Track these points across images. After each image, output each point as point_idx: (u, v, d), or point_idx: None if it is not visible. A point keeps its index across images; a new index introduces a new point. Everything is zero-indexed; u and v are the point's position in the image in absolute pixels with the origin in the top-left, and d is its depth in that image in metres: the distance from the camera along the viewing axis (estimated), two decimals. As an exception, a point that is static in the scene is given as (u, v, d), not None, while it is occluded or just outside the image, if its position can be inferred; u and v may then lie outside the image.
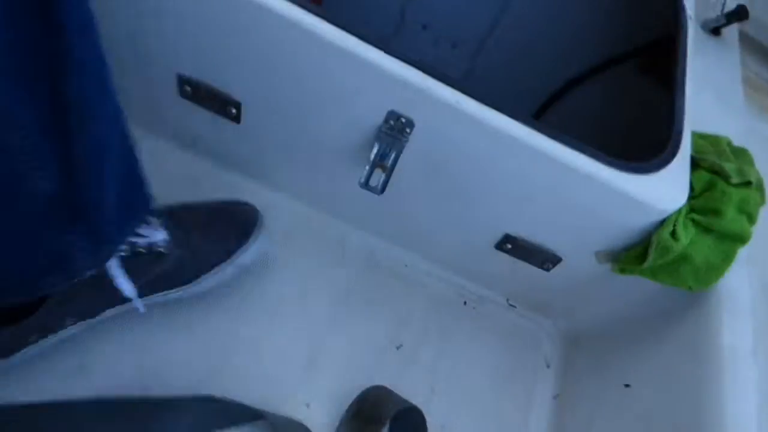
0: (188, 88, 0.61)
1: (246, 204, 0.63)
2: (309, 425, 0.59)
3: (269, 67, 0.54)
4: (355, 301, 0.71)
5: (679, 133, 0.57)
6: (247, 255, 0.60)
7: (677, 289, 0.58)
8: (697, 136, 0.61)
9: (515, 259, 0.68)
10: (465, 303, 0.77)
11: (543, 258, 0.67)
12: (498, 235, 0.66)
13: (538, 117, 0.95)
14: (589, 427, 0.67)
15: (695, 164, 0.57)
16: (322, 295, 0.70)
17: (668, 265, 0.56)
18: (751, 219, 0.55)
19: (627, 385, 0.64)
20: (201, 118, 0.64)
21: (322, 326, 0.68)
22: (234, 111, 0.62)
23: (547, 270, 0.68)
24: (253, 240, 0.61)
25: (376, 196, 0.55)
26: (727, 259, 0.55)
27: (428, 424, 0.65)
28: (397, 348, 0.70)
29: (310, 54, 0.51)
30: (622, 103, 0.83)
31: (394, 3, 0.93)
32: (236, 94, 0.60)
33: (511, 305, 0.79)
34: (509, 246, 0.66)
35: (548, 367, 0.77)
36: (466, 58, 0.97)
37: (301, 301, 0.68)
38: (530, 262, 0.68)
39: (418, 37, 0.95)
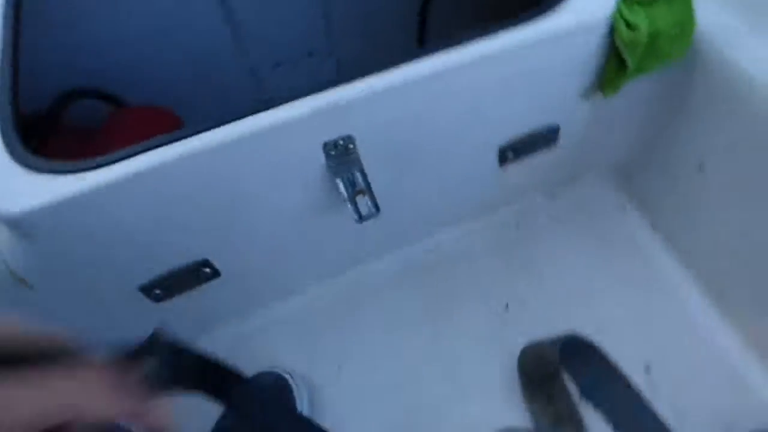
0: (157, 291, 0.57)
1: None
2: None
3: (207, 208, 0.51)
4: (435, 309, 0.69)
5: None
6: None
7: (666, 70, 0.56)
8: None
9: (524, 160, 0.66)
10: (517, 226, 0.75)
11: (543, 138, 0.64)
12: (494, 156, 0.63)
13: (423, 29, 0.91)
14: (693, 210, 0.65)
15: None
16: (410, 327, 0.68)
17: (647, 52, 0.53)
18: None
19: (700, 167, 0.62)
20: (187, 302, 0.60)
21: (437, 345, 0.66)
22: (208, 270, 0.58)
23: (555, 143, 0.65)
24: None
25: (377, 217, 0.53)
26: (686, 4, 0.52)
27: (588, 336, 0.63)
28: (506, 308, 0.68)
29: (224, 166, 0.47)
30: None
31: (242, 67, 0.90)
32: (199, 255, 0.56)
33: (552, 196, 0.77)
34: (511, 154, 0.64)
35: (625, 209, 0.75)
36: (326, 53, 0.93)
37: (401, 341, 0.66)
38: (537, 150, 0.65)
39: (277, 73, 0.92)
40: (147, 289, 0.56)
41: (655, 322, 0.68)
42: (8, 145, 0.44)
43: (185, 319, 0.64)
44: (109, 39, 0.78)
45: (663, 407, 0.61)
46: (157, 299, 0.57)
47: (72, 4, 0.71)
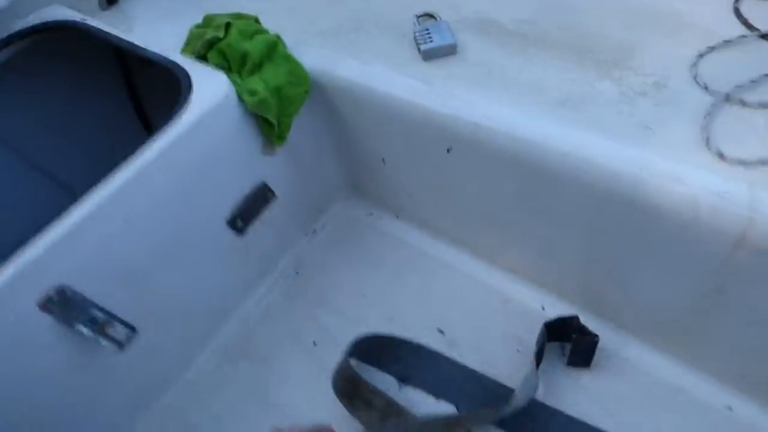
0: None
1: None
2: None
3: None
4: (261, 383, 0.73)
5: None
6: None
7: (309, 104, 0.70)
8: (193, 32, 0.70)
9: (257, 219, 0.75)
10: (296, 271, 0.84)
11: (260, 196, 0.74)
12: (226, 229, 0.72)
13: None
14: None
15: (204, 57, 0.67)
16: (245, 410, 0.71)
17: (282, 102, 0.66)
18: (258, 31, 0.67)
19: (383, 161, 0.76)
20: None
21: (275, 413, 0.69)
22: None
23: (273, 195, 0.76)
24: None
25: (138, 335, 0.57)
26: (285, 57, 0.67)
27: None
28: (314, 344, 0.75)
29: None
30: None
31: None
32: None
33: (313, 232, 0.87)
34: (240, 222, 0.72)
35: (372, 214, 0.88)
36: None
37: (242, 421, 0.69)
38: (263, 207, 0.75)
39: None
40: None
41: (432, 290, 0.79)
42: None
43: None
44: None
45: (466, 354, 0.71)
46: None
47: None
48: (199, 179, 0.64)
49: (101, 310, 0.56)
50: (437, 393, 0.69)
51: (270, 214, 0.76)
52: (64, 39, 0.77)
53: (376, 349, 0.72)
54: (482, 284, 0.79)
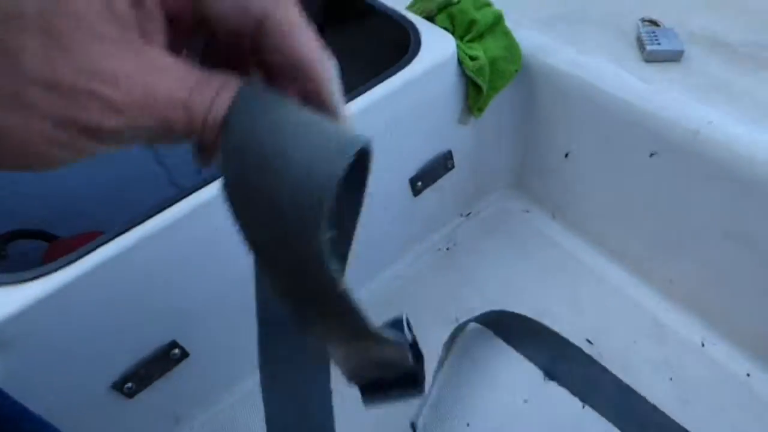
0: (130, 385, 0.59)
1: None
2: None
3: (162, 291, 0.56)
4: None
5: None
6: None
7: (513, 84, 0.71)
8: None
9: (432, 187, 0.77)
10: (447, 248, 0.84)
11: (442, 164, 0.76)
12: (407, 188, 0.74)
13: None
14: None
15: (431, 18, 0.70)
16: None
17: (492, 74, 0.68)
18: (486, 3, 0.69)
19: (567, 155, 0.76)
20: (160, 393, 0.62)
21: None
22: (177, 351, 0.62)
23: (453, 166, 0.77)
24: None
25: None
26: (506, 33, 0.68)
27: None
28: (456, 320, 0.75)
29: (172, 246, 0.53)
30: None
31: (164, 181, 0.97)
32: (165, 338, 0.60)
33: (468, 215, 0.88)
34: (420, 183, 0.74)
35: (529, 210, 0.87)
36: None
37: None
38: (440, 175, 0.77)
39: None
40: (119, 385, 0.57)
41: (582, 297, 0.77)
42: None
43: (161, 411, 0.65)
44: (41, 186, 0.84)
45: (614, 371, 0.69)
46: (131, 393, 0.59)
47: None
48: (405, 130, 0.67)
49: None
50: (584, 398, 0.67)
51: (443, 183, 0.77)
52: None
53: (519, 329, 0.71)
54: (637, 303, 0.76)
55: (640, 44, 0.68)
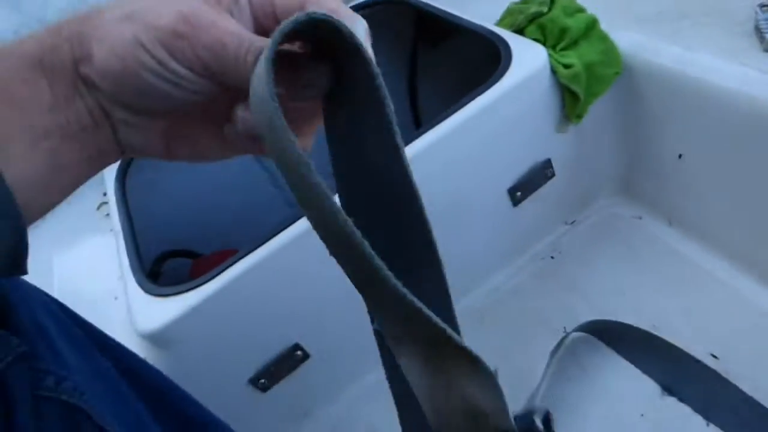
0: (263, 380, 0.67)
1: None
2: None
3: (290, 298, 0.63)
4: (506, 346, 0.75)
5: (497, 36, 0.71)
6: None
7: (614, 87, 0.69)
8: (511, 8, 0.75)
9: (532, 196, 0.77)
10: (552, 256, 0.83)
11: (541, 172, 0.76)
12: (506, 198, 0.75)
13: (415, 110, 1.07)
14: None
15: (521, 31, 0.71)
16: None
17: (590, 80, 0.67)
18: (579, 9, 0.69)
19: (680, 156, 0.72)
20: (288, 388, 0.70)
21: (517, 378, 0.71)
22: (299, 353, 0.69)
23: (553, 174, 0.77)
24: None
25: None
26: (601, 37, 0.67)
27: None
28: (564, 330, 0.74)
29: (298, 258, 0.61)
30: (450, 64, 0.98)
31: (282, 202, 1.08)
32: (290, 341, 0.67)
33: (573, 223, 0.86)
34: (519, 193, 0.75)
35: (641, 217, 0.83)
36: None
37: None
38: (541, 184, 0.77)
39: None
40: (254, 380, 0.66)
41: (705, 308, 0.71)
42: (141, 285, 0.59)
43: (289, 405, 0.73)
44: (186, 212, 0.99)
45: (743, 387, 0.63)
46: (264, 388, 0.67)
47: (159, 200, 0.94)
48: (500, 142, 0.68)
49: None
50: (707, 414, 0.62)
51: (543, 192, 0.77)
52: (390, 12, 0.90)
53: (631, 342, 0.68)
54: (767, 314, 0.69)
55: (759, 34, 0.62)
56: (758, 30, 0.63)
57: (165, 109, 0.25)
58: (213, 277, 0.57)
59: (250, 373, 0.66)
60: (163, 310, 0.55)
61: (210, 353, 0.61)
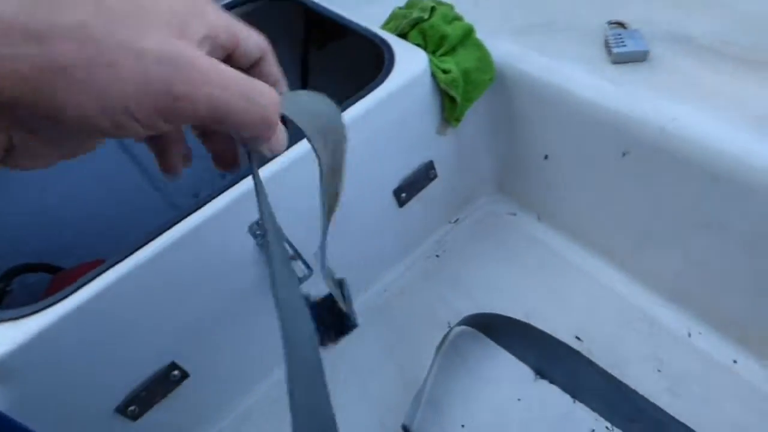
0: (133, 408, 0.61)
1: None
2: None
3: (161, 312, 0.59)
4: (394, 346, 0.77)
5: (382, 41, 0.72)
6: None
7: (488, 93, 0.73)
8: (396, 12, 0.76)
9: (417, 197, 0.79)
10: (437, 254, 0.86)
11: (425, 174, 0.78)
12: (391, 199, 0.76)
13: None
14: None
15: (404, 35, 0.72)
16: (377, 366, 0.74)
17: (466, 85, 0.70)
18: (456, 18, 0.72)
19: (546, 157, 0.78)
20: (165, 413, 0.64)
21: (404, 375, 0.72)
22: (177, 372, 0.64)
23: (436, 175, 0.79)
24: None
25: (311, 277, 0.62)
26: (477, 45, 0.71)
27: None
28: (449, 325, 0.77)
29: (171, 267, 0.56)
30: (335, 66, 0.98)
31: (163, 204, 1.00)
32: (165, 360, 0.62)
33: (456, 221, 0.90)
34: (404, 194, 0.77)
35: (516, 213, 0.89)
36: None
37: (372, 382, 0.72)
38: (424, 186, 0.79)
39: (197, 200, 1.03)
40: (123, 408, 0.60)
41: (570, 295, 0.79)
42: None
43: (166, 431, 0.67)
44: (37, 219, 0.87)
45: (603, 365, 0.70)
46: (135, 416, 0.62)
47: (10, 206, 0.82)
48: (383, 145, 0.69)
49: (292, 245, 0.62)
50: (574, 392, 0.68)
51: (427, 193, 0.80)
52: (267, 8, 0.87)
53: (508, 332, 0.73)
54: (623, 299, 0.77)
55: (607, 47, 0.70)
56: (607, 44, 0.70)
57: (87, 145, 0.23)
58: (69, 294, 0.50)
59: (118, 400, 0.59)
60: (0, 338, 0.48)
61: (65, 384, 0.54)
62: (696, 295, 0.72)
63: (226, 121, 0.21)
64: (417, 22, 0.71)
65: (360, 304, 0.81)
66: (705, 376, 0.69)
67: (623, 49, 0.68)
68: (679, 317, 0.74)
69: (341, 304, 0.56)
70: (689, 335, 0.73)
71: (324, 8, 0.79)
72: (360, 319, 0.80)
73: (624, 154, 0.67)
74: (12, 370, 0.48)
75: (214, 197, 0.56)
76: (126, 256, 0.53)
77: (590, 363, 0.70)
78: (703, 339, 0.71)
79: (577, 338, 0.74)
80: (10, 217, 0.85)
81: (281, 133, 0.26)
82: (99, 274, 0.52)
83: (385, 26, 0.75)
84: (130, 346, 0.58)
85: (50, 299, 0.50)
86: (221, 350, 0.68)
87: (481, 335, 0.76)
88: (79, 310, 0.50)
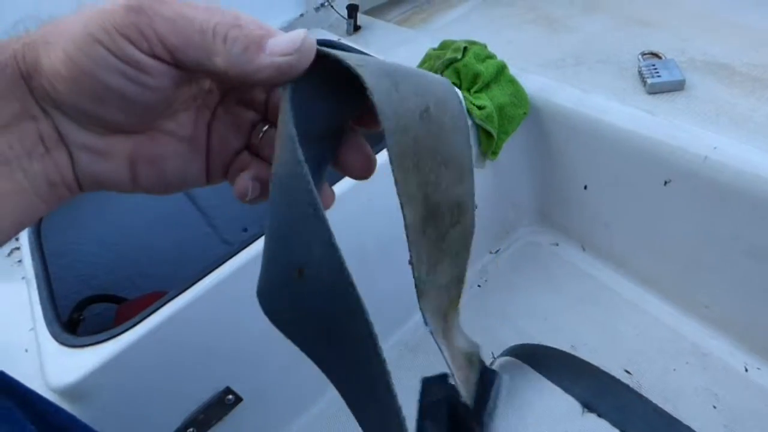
0: (191, 430, 0.65)
1: None
2: None
3: (217, 341, 0.62)
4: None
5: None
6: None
7: (524, 126, 0.75)
8: (430, 53, 0.80)
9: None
10: (480, 284, 0.87)
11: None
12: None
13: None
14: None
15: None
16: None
17: (502, 120, 0.72)
18: (489, 56, 0.75)
19: (585, 187, 0.78)
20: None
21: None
22: (231, 397, 0.67)
23: (476, 206, 0.81)
24: None
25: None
26: (510, 81, 0.73)
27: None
28: (492, 356, 0.77)
29: (224, 301, 0.60)
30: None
31: (216, 240, 1.06)
32: (220, 385, 0.66)
33: (496, 252, 0.91)
34: (443, 226, 0.78)
35: (558, 243, 0.89)
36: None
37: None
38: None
39: (246, 235, 1.09)
40: (182, 431, 0.63)
41: (618, 327, 0.77)
42: (55, 336, 0.56)
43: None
44: (110, 254, 0.95)
45: (655, 401, 0.68)
46: (195, 445, 0.65)
47: (80, 241, 0.90)
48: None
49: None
50: (623, 427, 0.66)
51: (467, 224, 0.81)
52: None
53: (554, 364, 0.72)
54: (673, 330, 0.75)
55: (642, 78, 0.71)
56: (641, 75, 0.71)
57: (128, 119, 0.23)
58: (135, 324, 0.55)
59: (177, 422, 0.63)
60: (78, 362, 0.52)
61: (131, 404, 0.58)
62: (751, 328, 0.70)
63: (189, 45, 0.21)
64: (451, 62, 0.74)
65: (402, 337, 0.83)
66: (764, 414, 0.65)
67: (658, 80, 0.69)
68: (734, 351, 0.71)
69: (466, 399, 0.31)
70: (746, 370, 0.70)
71: (356, 50, 0.84)
72: (395, 353, 0.80)
73: (666, 183, 0.67)
74: (91, 388, 0.53)
75: (262, 234, 0.60)
76: (186, 288, 0.58)
77: (640, 397, 0.68)
78: (760, 375, 0.68)
79: (626, 371, 0.72)
80: (80, 251, 0.93)
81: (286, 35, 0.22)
82: (163, 305, 0.57)
83: (421, 66, 0.79)
84: (188, 372, 0.62)
85: (121, 327, 0.55)
86: (273, 374, 0.71)
87: (526, 366, 0.75)
88: (146, 337, 0.54)
